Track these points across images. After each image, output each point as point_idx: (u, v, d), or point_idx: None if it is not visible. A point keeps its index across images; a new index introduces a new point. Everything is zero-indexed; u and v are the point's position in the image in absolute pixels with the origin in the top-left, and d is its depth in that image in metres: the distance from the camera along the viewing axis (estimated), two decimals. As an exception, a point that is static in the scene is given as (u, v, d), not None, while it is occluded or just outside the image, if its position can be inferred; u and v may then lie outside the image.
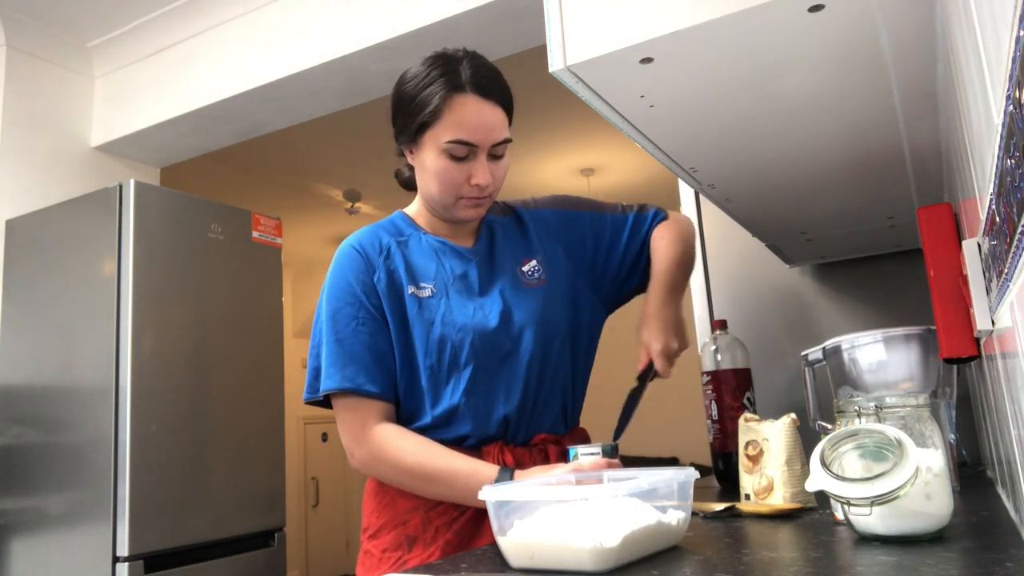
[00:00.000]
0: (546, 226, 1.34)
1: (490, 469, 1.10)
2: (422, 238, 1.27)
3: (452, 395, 1.18)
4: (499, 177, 1.21)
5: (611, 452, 1.10)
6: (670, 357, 1.24)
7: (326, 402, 1.21)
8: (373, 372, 1.17)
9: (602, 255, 1.35)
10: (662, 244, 1.34)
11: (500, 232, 1.31)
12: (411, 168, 1.29)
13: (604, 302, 1.36)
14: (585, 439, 1.32)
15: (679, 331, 1.27)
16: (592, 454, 1.09)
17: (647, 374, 1.25)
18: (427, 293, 1.21)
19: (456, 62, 1.17)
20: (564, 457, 1.25)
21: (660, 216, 1.39)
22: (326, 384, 1.17)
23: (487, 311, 1.21)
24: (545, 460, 1.22)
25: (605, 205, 1.40)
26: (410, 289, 1.21)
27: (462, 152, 1.16)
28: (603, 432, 1.27)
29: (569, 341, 1.28)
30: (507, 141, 1.20)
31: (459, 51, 1.20)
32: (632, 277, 1.37)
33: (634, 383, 1.26)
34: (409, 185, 1.32)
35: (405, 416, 1.21)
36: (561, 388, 1.27)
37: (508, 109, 1.21)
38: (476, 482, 1.05)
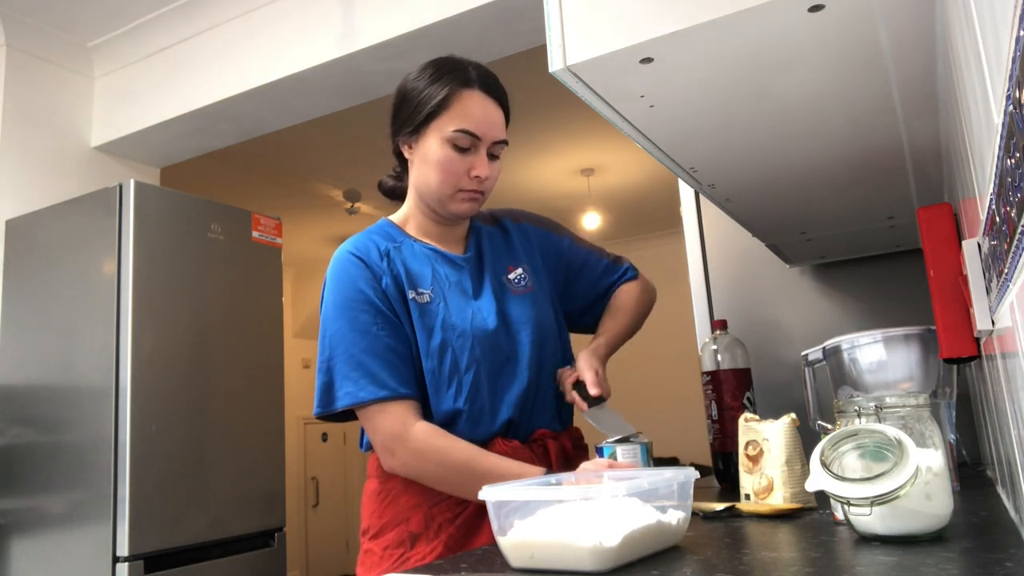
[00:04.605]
0: (528, 239, 1.38)
1: (536, 471, 1.11)
2: (414, 245, 1.28)
3: (455, 398, 1.19)
4: (493, 177, 1.25)
5: (648, 447, 1.16)
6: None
7: (337, 416, 1.20)
8: (403, 373, 1.17)
9: (572, 283, 1.40)
10: (626, 302, 1.40)
11: (487, 240, 1.34)
12: (395, 177, 1.35)
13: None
14: (579, 438, 1.34)
15: None
16: (630, 442, 1.14)
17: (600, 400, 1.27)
18: (426, 299, 1.22)
19: (463, 64, 1.24)
20: (563, 453, 1.26)
21: (631, 274, 1.44)
22: (359, 395, 1.15)
23: (485, 314, 1.23)
24: (544, 455, 1.23)
25: (584, 242, 1.45)
26: (411, 294, 1.21)
27: (466, 143, 1.20)
28: (598, 433, 1.27)
29: (559, 342, 1.32)
30: (504, 142, 1.25)
31: (463, 58, 1.26)
32: (585, 317, 1.42)
33: (586, 404, 1.27)
34: (393, 194, 1.36)
35: None
36: (556, 388, 1.29)
37: (506, 113, 1.27)
38: None
